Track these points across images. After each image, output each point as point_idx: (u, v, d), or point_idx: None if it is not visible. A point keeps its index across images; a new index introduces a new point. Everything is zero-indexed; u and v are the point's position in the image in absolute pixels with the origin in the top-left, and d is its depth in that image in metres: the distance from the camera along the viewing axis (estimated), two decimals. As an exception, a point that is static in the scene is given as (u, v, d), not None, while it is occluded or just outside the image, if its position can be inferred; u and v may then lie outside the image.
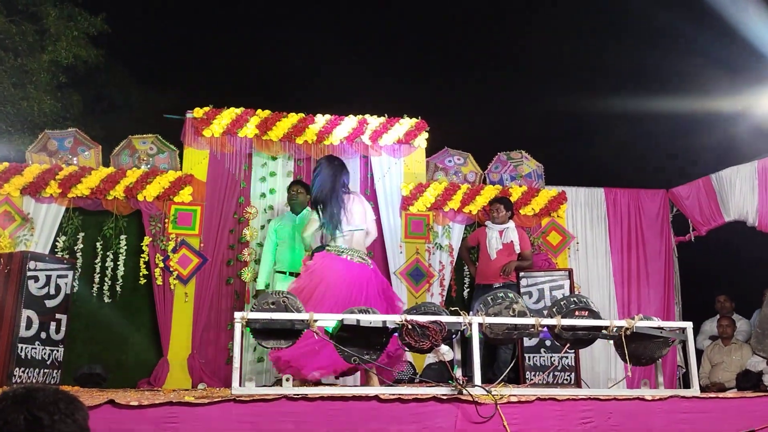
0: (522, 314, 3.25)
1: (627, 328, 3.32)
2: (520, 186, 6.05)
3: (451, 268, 5.80)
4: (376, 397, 2.70)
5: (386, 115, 5.82)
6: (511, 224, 5.12)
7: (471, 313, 3.20)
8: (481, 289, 4.96)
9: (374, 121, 5.80)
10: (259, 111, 5.68)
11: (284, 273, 4.91)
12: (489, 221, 5.20)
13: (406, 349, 3.04)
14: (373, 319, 2.92)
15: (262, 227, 5.65)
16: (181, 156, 5.60)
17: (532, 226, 5.91)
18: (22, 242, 5.11)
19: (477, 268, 5.19)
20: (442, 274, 5.75)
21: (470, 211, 5.92)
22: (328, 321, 3.03)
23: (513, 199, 5.91)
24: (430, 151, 6.05)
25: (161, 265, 5.28)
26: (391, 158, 5.86)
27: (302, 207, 4.98)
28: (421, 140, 5.92)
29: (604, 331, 3.36)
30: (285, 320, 2.94)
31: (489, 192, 5.98)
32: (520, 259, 5.08)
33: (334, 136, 5.72)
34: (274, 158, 5.77)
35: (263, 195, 5.74)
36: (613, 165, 6.96)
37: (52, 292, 4.43)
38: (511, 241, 5.02)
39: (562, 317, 3.27)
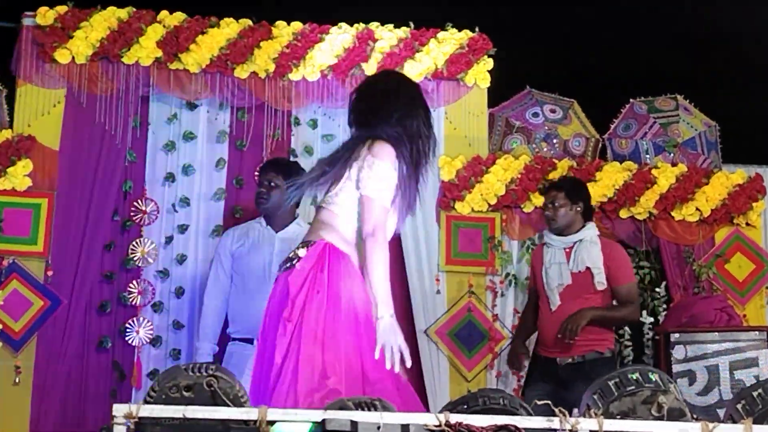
0: (676, 414, 3.06)
1: None
2: (675, 164, 5.69)
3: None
4: None
5: (411, 24, 5.56)
6: (590, 232, 4.76)
7: (576, 410, 3.02)
8: (542, 366, 4.78)
9: (388, 36, 5.49)
10: (164, 14, 5.35)
11: (248, 342, 4.59)
12: (548, 230, 4.80)
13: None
14: (384, 421, 2.81)
15: (168, 241, 5.32)
16: (10, 100, 5.35)
17: (696, 241, 5.65)
18: None
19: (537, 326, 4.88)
20: None
21: None
22: (293, 422, 2.84)
23: (660, 188, 5.56)
24: (497, 95, 5.78)
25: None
26: None
27: (286, 214, 4.78)
28: (481, 74, 5.58)
29: None
30: (212, 421, 2.85)
31: (612, 174, 5.57)
32: (610, 307, 4.67)
33: (310, 64, 5.38)
34: (191, 106, 5.42)
35: (170, 177, 5.37)
36: None
37: None
38: (587, 268, 4.62)
39: (755, 421, 3.08)
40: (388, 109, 3.44)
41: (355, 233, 3.39)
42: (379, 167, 3.32)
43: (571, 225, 4.72)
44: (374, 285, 3.27)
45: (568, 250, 4.73)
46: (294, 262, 3.37)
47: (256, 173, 5.10)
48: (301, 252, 3.37)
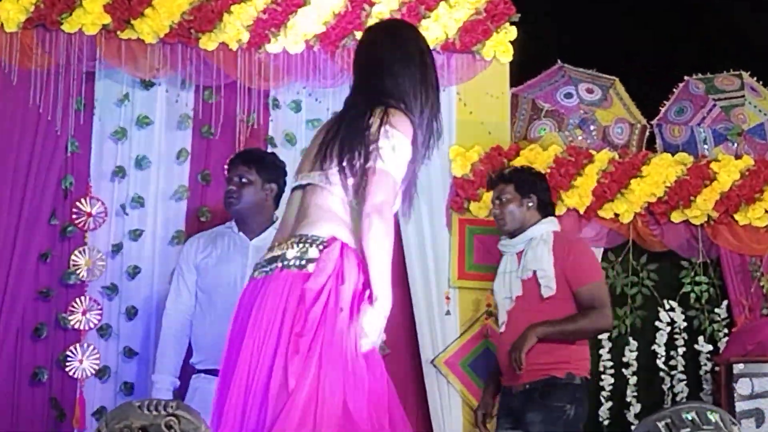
0: None
1: None
2: (739, 156, 5.46)
3: None
4: None
5: None
6: (542, 227, 4.66)
7: None
8: (501, 398, 4.67)
9: None
10: None
11: (215, 374, 4.10)
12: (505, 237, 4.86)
13: None
14: None
15: (118, 249, 5.05)
16: None
17: (765, 251, 5.43)
18: None
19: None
20: None
21: (617, 214, 5.36)
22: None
23: (721, 186, 5.31)
24: (522, 72, 5.64)
25: None
26: None
27: (262, 217, 4.68)
28: (502, 45, 5.35)
29: None
30: None
31: (663, 168, 5.34)
32: (565, 319, 4.46)
33: (292, 33, 5.14)
34: (147, 84, 5.20)
35: (121, 171, 5.13)
36: None
37: None
38: (534, 272, 4.60)
39: None
40: (403, 74, 3.36)
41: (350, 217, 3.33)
42: (400, 140, 3.24)
43: (524, 224, 4.63)
44: (377, 270, 3.15)
45: (519, 254, 4.64)
46: (289, 263, 3.15)
47: (226, 167, 4.86)
48: (313, 252, 3.14)
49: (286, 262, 3.19)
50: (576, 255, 4.59)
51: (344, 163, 3.24)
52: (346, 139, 3.25)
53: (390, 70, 3.36)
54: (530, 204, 4.61)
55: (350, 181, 3.22)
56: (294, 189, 3.40)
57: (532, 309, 4.50)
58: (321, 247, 3.17)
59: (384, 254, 3.19)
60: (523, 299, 4.55)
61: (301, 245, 3.18)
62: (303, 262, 3.16)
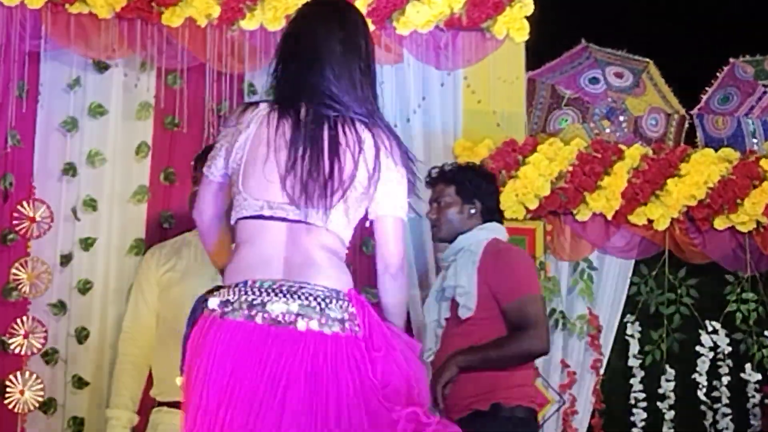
0: None
1: None
2: None
3: (595, 379, 5.09)
4: None
5: None
6: (476, 235, 4.40)
7: None
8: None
9: None
10: None
11: (179, 407, 3.82)
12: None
13: None
14: None
15: (66, 261, 4.83)
16: None
17: None
18: None
19: None
20: (569, 397, 5.09)
21: (651, 220, 5.12)
22: None
23: None
24: (540, 54, 5.51)
25: None
26: (431, 69, 5.28)
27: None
28: (516, 22, 5.13)
29: None
30: None
31: (705, 166, 5.13)
32: (486, 345, 4.24)
33: (270, 7, 4.95)
34: (101, 67, 4.96)
35: (70, 169, 4.89)
36: None
37: None
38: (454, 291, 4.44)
39: None
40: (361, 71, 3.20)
41: None
42: (403, 176, 3.19)
43: (459, 224, 4.42)
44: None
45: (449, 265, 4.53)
46: (332, 324, 3.03)
47: (192, 164, 4.55)
48: (335, 312, 3.03)
49: (329, 322, 3.01)
50: (504, 265, 4.30)
51: (348, 203, 3.03)
52: (334, 169, 3.02)
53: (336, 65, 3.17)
54: (472, 211, 4.36)
55: (344, 221, 3.08)
56: (264, 218, 3.08)
57: (459, 332, 4.26)
58: (341, 302, 3.04)
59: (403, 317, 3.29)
60: (452, 321, 4.33)
61: (338, 301, 2.99)
62: (349, 325, 3.02)
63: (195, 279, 4.21)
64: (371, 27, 4.82)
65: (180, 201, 4.75)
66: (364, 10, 4.97)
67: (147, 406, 4.33)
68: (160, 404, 4.31)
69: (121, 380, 4.40)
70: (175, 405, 3.94)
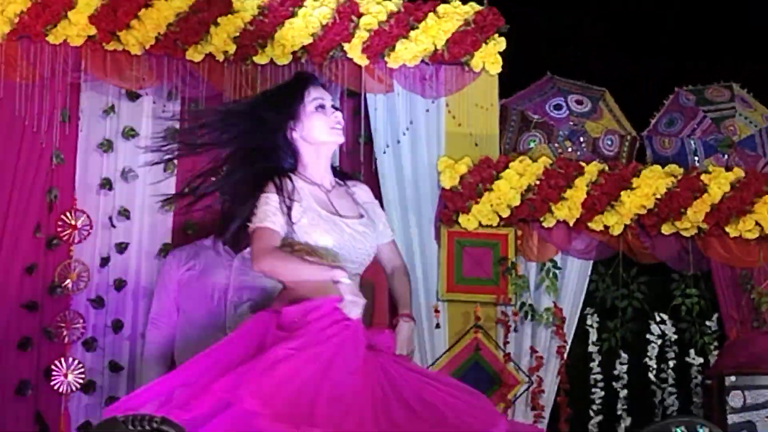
0: None
1: None
2: (730, 168, 5.55)
3: (560, 363, 5.34)
4: None
5: None
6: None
7: None
8: None
9: (376, 9, 5.34)
10: None
11: None
12: None
13: None
14: None
15: (104, 263, 5.12)
16: None
17: (756, 264, 5.49)
18: None
19: None
20: (537, 379, 5.29)
21: (607, 227, 5.41)
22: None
23: (712, 198, 5.39)
24: (511, 83, 5.71)
25: None
26: (417, 98, 5.53)
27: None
28: (491, 57, 5.44)
29: None
30: None
31: (653, 180, 5.44)
32: None
33: (279, 45, 5.23)
34: (133, 96, 5.28)
35: (107, 184, 5.21)
36: None
37: None
38: None
39: None
40: None
41: None
42: None
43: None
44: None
45: None
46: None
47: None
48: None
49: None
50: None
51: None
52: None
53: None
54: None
55: None
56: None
57: None
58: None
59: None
60: None
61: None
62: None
63: (211, 277, 4.66)
64: (366, 62, 5.32)
65: (201, 212, 4.73)
66: (359, 48, 5.25)
67: (172, 389, 4.65)
68: (183, 386, 4.63)
69: (150, 366, 4.70)
70: None
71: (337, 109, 3.86)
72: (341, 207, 3.75)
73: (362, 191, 3.90)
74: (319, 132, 3.71)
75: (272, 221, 3.59)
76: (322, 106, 3.77)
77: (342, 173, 4.00)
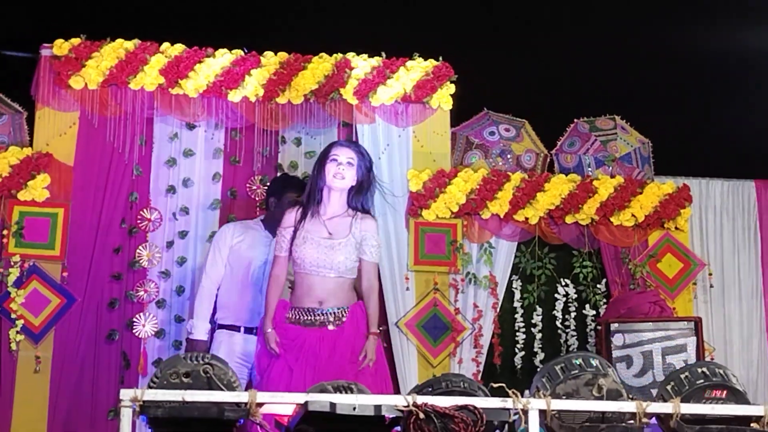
0: (614, 394, 3.30)
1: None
2: (613, 176, 5.97)
3: (494, 315, 5.75)
4: None
5: (383, 54, 5.78)
6: None
7: (528, 392, 3.28)
8: None
9: (363, 64, 5.74)
10: (165, 45, 5.57)
11: (235, 329, 5.00)
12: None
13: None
14: (359, 402, 2.96)
15: (170, 245, 5.61)
16: (30, 122, 5.53)
17: (632, 244, 5.86)
18: None
19: None
20: (478, 326, 5.72)
21: (527, 218, 5.88)
22: (280, 404, 3.06)
23: (601, 197, 5.85)
24: (459, 116, 6.02)
25: (-7, 308, 5.13)
26: (392, 127, 5.84)
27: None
28: (444, 97, 5.85)
29: (755, 425, 3.42)
30: (207, 404, 3.01)
31: (559, 185, 5.88)
32: None
33: (295, 90, 5.66)
34: (191, 126, 5.71)
35: (172, 189, 5.70)
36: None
37: None
38: None
39: (682, 400, 3.31)
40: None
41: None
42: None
43: None
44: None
45: None
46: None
47: (248, 185, 5.59)
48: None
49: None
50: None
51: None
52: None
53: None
54: None
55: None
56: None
57: None
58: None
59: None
60: None
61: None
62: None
63: (254, 250, 5.13)
64: (356, 101, 5.61)
65: (239, 209, 5.59)
66: (352, 92, 5.59)
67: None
68: (221, 327, 5.07)
69: (203, 301, 5.13)
70: (231, 327, 5.07)
71: (352, 165, 4.53)
72: (335, 230, 4.51)
73: (366, 223, 4.58)
74: (328, 178, 4.50)
75: (282, 249, 4.49)
76: (334, 160, 4.50)
77: (362, 209, 4.63)
